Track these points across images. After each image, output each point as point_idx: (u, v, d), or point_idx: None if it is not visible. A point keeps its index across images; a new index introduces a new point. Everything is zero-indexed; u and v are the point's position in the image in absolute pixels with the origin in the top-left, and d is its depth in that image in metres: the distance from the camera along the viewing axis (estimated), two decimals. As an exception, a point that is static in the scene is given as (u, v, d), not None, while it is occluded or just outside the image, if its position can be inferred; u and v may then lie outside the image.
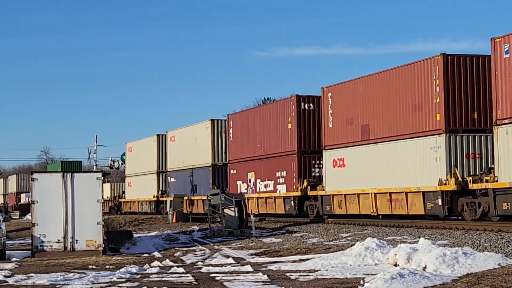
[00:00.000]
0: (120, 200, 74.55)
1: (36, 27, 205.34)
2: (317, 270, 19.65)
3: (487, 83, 29.48)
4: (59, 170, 59.78)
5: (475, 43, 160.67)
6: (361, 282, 16.84)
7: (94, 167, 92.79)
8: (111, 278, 19.41)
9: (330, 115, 37.37)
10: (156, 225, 46.57)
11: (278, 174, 41.66)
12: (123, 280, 19.16)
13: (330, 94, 37.48)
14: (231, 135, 47.76)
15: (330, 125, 37.32)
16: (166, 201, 55.86)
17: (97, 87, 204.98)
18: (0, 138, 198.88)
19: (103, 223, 28.15)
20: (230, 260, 23.46)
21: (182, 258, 25.56)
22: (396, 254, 19.81)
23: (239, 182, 46.40)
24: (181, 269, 20.97)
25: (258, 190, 44.02)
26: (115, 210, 75.69)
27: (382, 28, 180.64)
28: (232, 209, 34.84)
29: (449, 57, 29.99)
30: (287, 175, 40.75)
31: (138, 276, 20.04)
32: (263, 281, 17.93)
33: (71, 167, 78.88)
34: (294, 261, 22.33)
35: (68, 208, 27.82)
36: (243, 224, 34.61)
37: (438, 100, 30.06)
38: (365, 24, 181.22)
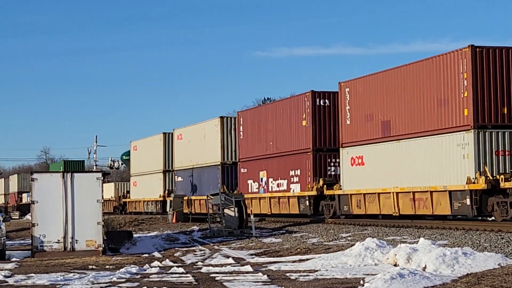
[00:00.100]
0: (124, 199, 73.18)
1: (36, 27, 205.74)
2: (317, 270, 19.65)
3: (518, 76, 28.32)
4: (61, 170, 59.98)
5: (475, 43, 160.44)
6: (361, 282, 16.85)
7: (94, 167, 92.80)
8: (111, 278, 19.42)
9: (348, 111, 35.78)
10: (156, 225, 46.56)
11: (292, 173, 40.18)
12: (123, 280, 19.17)
13: (347, 89, 35.85)
14: (241, 133, 46.13)
15: (348, 122, 35.76)
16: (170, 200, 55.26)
17: (97, 87, 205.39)
18: (0, 138, 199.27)
19: (103, 223, 28.17)
20: (230, 260, 23.46)
21: (182, 258, 25.56)
22: (396, 254, 19.81)
23: (250, 181, 44.92)
24: (181, 269, 20.98)
25: (270, 190, 42.56)
26: (120, 210, 74.66)
27: (382, 28, 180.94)
28: (232, 209, 34.84)
29: (477, 49, 28.47)
30: (301, 174, 39.26)
31: (138, 276, 20.05)
32: (263, 281, 17.93)
33: (74, 167, 78.97)
34: (294, 261, 22.32)
35: (68, 208, 27.81)
36: (243, 224, 34.57)
37: (466, 95, 28.56)
38: (365, 24, 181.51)
